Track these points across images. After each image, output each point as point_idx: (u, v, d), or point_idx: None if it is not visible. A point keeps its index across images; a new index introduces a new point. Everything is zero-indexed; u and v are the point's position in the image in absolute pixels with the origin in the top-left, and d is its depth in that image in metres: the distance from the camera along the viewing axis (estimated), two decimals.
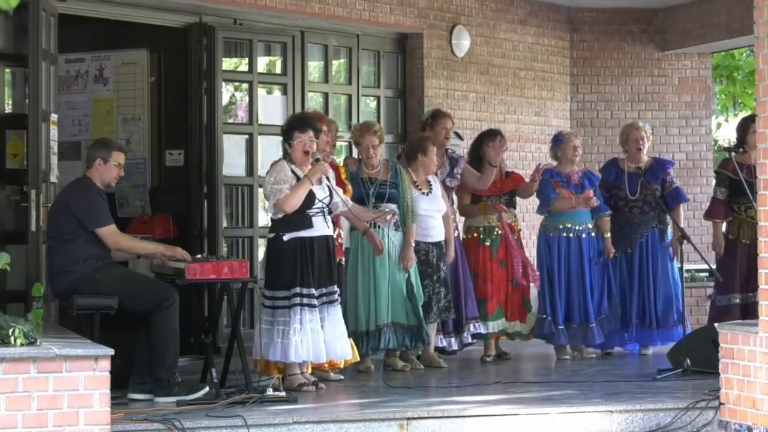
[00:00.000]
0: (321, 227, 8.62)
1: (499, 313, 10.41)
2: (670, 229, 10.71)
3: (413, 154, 9.97)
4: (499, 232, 10.45)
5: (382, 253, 9.47)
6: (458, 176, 10.33)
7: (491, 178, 10.38)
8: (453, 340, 10.18)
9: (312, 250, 8.54)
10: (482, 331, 10.22)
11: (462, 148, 11.63)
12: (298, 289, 8.48)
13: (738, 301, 10.36)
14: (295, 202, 8.45)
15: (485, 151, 10.52)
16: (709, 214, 10.60)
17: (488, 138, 10.58)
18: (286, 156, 8.66)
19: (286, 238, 8.53)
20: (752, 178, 10.07)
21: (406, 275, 9.64)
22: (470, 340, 10.23)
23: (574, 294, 10.44)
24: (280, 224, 8.57)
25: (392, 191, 9.67)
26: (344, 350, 8.79)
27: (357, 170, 9.76)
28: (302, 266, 8.50)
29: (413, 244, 9.71)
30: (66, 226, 7.91)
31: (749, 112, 17.62)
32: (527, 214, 11.45)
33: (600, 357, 10.65)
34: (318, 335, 8.53)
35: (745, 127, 10.35)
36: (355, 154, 11.35)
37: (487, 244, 10.44)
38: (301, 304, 8.47)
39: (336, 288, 8.75)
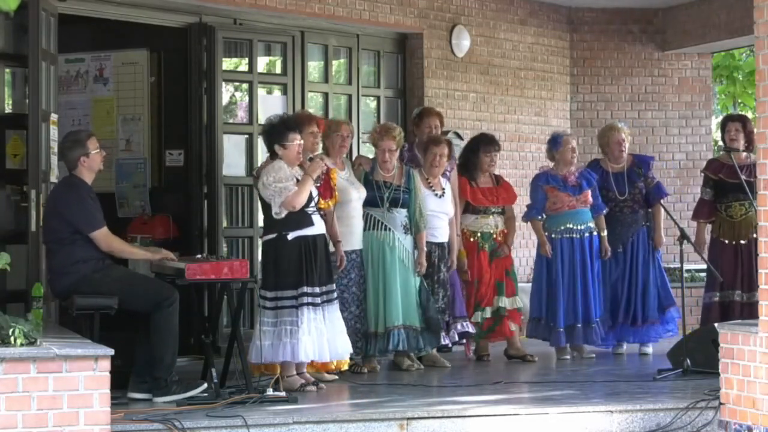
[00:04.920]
0: (319, 225, 8.65)
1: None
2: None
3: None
4: (497, 237, 10.46)
5: (342, 267, 9.37)
6: (447, 173, 10.29)
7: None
8: (447, 337, 10.18)
9: (315, 249, 8.55)
10: (470, 330, 10.19)
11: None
12: (305, 289, 8.48)
13: (717, 299, 10.43)
14: (302, 199, 8.47)
15: (481, 159, 10.50)
16: (694, 215, 10.79)
17: (486, 146, 10.56)
18: (275, 156, 8.62)
19: (290, 237, 8.52)
20: (732, 178, 10.23)
21: (419, 280, 9.67)
22: (456, 339, 10.21)
23: (578, 295, 10.43)
24: (282, 224, 8.53)
25: (405, 196, 9.67)
26: (344, 348, 8.79)
27: (371, 171, 9.74)
28: (307, 265, 8.50)
29: (425, 250, 9.72)
30: (62, 232, 7.89)
31: (749, 112, 17.66)
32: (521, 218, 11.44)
33: (611, 356, 10.66)
34: (322, 334, 8.55)
35: (722, 128, 10.55)
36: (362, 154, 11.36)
37: (486, 249, 10.44)
38: (308, 304, 8.47)
39: (334, 286, 8.75)
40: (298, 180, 8.52)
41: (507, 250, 10.56)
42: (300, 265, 8.50)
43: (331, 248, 9.27)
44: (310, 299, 8.48)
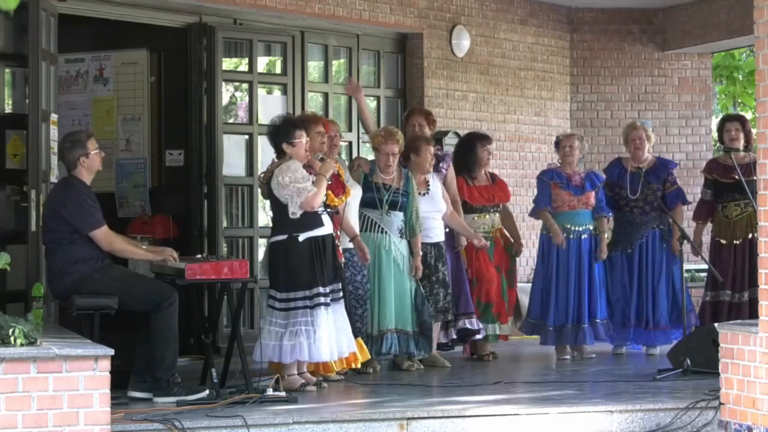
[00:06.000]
0: (328, 225, 8.65)
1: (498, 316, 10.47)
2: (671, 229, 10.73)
3: (407, 154, 9.94)
4: (495, 236, 10.49)
5: (368, 261, 9.42)
6: (443, 171, 10.28)
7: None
8: (446, 335, 10.18)
9: (324, 249, 8.56)
10: (470, 327, 10.17)
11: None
12: (320, 289, 8.48)
13: (708, 299, 10.45)
14: (320, 199, 8.49)
15: (479, 154, 10.51)
16: (693, 215, 10.81)
17: (482, 140, 10.60)
18: (282, 156, 8.62)
19: (301, 238, 8.52)
20: (725, 179, 10.25)
21: (415, 284, 9.66)
22: (454, 337, 10.20)
23: (571, 295, 10.42)
24: (294, 225, 8.50)
25: (404, 200, 9.66)
26: (349, 345, 8.79)
27: (370, 173, 9.73)
28: (318, 265, 8.51)
29: (420, 254, 9.71)
30: (61, 232, 7.87)
31: (749, 112, 17.67)
32: (527, 214, 11.45)
33: (611, 356, 10.66)
34: (332, 333, 8.55)
35: (720, 128, 10.57)
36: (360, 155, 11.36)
37: (484, 248, 10.44)
38: (323, 304, 8.47)
39: (340, 285, 8.76)
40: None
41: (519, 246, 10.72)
42: (312, 265, 8.49)
43: (348, 244, 9.31)
44: (323, 299, 8.49)
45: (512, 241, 10.69)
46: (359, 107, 10.53)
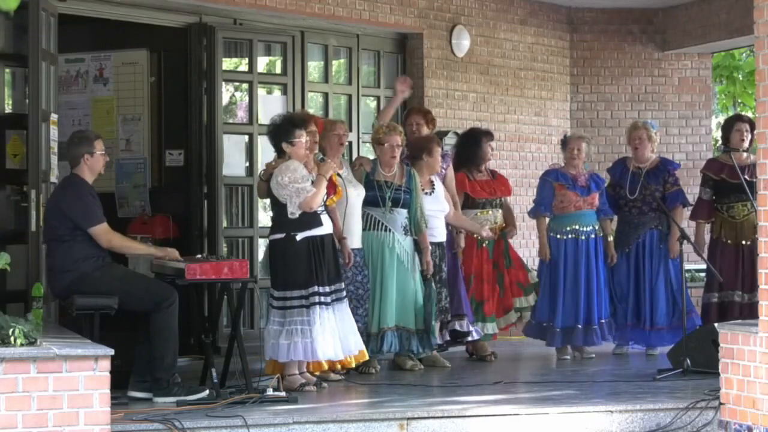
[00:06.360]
0: (327, 225, 8.66)
1: (494, 316, 10.46)
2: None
3: (418, 154, 9.94)
4: (496, 232, 10.49)
5: (349, 266, 9.41)
6: (443, 171, 10.28)
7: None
8: (440, 336, 10.19)
9: (323, 248, 8.56)
10: (463, 329, 10.17)
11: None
12: (316, 288, 8.48)
13: (716, 300, 10.43)
14: (320, 200, 8.50)
15: (484, 149, 10.54)
16: (692, 215, 10.74)
17: (487, 136, 10.64)
18: (282, 155, 8.63)
19: (299, 237, 8.52)
20: (734, 179, 10.22)
21: (428, 281, 9.65)
22: (448, 338, 10.20)
23: (580, 296, 10.42)
24: (292, 224, 8.52)
25: (406, 197, 9.66)
26: (357, 344, 8.80)
27: (372, 172, 9.72)
28: (317, 265, 8.51)
29: (429, 248, 9.71)
30: (62, 229, 7.89)
31: (750, 112, 17.66)
32: (527, 214, 11.44)
33: (612, 356, 10.65)
34: (335, 333, 8.55)
35: (728, 127, 10.51)
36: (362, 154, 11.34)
37: (485, 245, 10.45)
38: (319, 303, 8.47)
39: (343, 285, 8.76)
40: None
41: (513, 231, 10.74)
42: (309, 264, 8.50)
43: (352, 245, 9.30)
44: (322, 298, 8.49)
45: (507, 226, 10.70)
46: (392, 102, 10.53)
